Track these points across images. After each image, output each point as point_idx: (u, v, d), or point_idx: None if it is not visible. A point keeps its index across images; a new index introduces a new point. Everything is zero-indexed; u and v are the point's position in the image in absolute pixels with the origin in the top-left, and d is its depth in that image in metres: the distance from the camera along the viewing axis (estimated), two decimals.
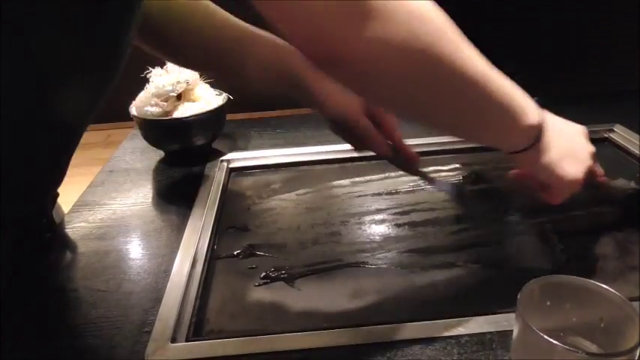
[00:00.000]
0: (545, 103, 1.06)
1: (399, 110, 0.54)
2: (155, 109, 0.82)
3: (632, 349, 0.33)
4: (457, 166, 0.84)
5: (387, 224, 0.70)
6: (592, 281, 0.38)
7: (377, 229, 0.69)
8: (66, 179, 0.56)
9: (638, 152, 0.83)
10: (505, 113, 0.49)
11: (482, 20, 2.75)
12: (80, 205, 0.75)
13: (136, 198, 0.77)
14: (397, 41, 0.39)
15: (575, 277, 0.39)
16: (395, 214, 0.71)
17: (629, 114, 0.92)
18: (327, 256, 0.63)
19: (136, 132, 0.90)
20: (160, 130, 0.86)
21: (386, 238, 0.67)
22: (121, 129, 1.03)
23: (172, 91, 0.82)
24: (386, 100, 0.49)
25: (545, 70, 2.33)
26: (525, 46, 2.52)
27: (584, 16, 1.97)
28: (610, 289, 0.38)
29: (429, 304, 0.55)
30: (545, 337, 0.34)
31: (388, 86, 0.44)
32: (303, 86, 0.61)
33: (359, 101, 0.62)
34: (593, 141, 0.88)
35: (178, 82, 0.83)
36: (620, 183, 0.71)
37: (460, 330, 0.48)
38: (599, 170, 0.64)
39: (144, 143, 0.87)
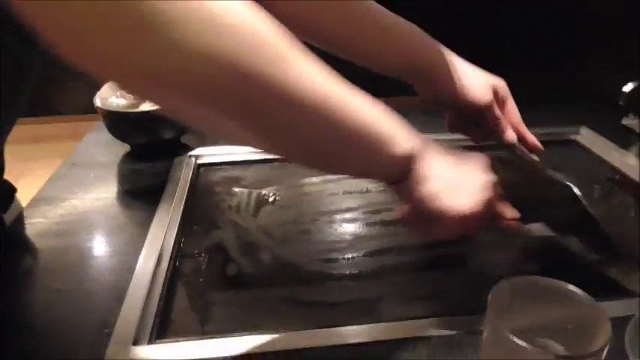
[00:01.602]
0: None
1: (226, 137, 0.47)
2: (121, 101, 0.79)
3: (599, 351, 0.34)
4: None
5: (358, 223, 0.69)
6: (561, 282, 0.38)
7: (348, 227, 0.68)
8: (27, 172, 0.53)
9: (602, 155, 0.84)
10: (362, 143, 0.43)
11: (453, 22, 2.79)
12: (39, 200, 0.72)
13: (99, 193, 0.74)
14: (193, 55, 0.31)
15: (544, 278, 0.39)
16: (366, 212, 0.71)
17: (596, 117, 0.94)
18: (296, 254, 0.62)
19: (101, 124, 0.86)
20: (125, 123, 0.83)
21: (357, 237, 0.66)
22: (88, 121, 0.99)
23: None
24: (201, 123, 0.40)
25: (512, 72, 2.38)
26: (495, 47, 2.56)
27: (554, 19, 2.02)
28: (578, 290, 0.38)
29: (399, 304, 0.55)
30: (514, 338, 0.33)
31: (195, 110, 0.36)
32: (436, 70, 0.58)
33: (489, 85, 0.60)
34: (560, 143, 0.91)
35: None
36: (535, 228, 0.64)
37: (430, 331, 0.48)
38: (508, 211, 0.55)
39: (109, 136, 0.84)
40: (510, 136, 0.61)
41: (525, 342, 0.34)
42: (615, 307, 0.50)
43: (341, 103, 0.40)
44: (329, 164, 0.46)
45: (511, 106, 0.63)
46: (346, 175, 0.79)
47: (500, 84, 0.63)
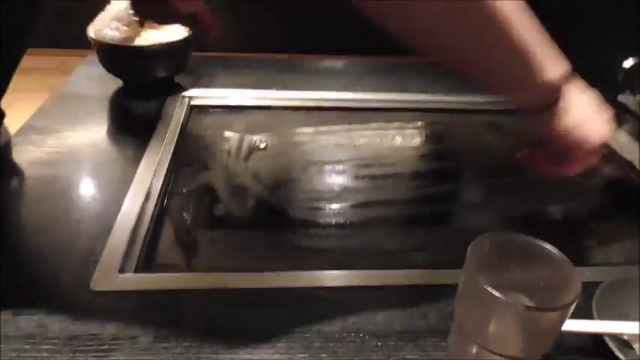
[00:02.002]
0: None
1: (415, 34, 0.48)
2: (115, 34, 0.78)
3: (566, 306, 0.35)
4: (422, 124, 0.84)
5: (347, 175, 0.70)
6: (538, 240, 0.40)
7: (336, 179, 0.69)
8: (14, 103, 0.53)
9: None
10: (523, 61, 0.45)
11: None
12: (28, 129, 0.71)
13: (90, 126, 0.73)
14: None
15: (522, 235, 0.40)
16: (355, 165, 0.72)
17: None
18: (284, 201, 0.63)
19: (94, 57, 0.84)
20: (119, 57, 0.81)
21: (344, 189, 0.67)
22: (78, 56, 0.97)
23: (135, 15, 0.77)
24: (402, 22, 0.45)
25: None
26: None
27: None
28: (553, 248, 0.39)
29: (379, 255, 0.56)
30: (488, 288, 0.35)
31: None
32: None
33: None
34: None
35: None
36: None
37: (407, 280, 0.49)
38: None
39: (101, 70, 0.82)
40: None
41: (498, 294, 0.35)
42: (586, 273, 0.52)
43: (517, 21, 0.43)
44: (489, 71, 0.48)
45: None
46: (338, 128, 0.80)
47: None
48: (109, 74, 0.83)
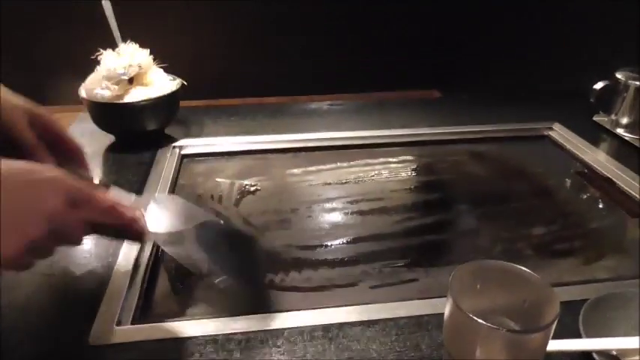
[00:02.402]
0: (488, 100, 1.10)
1: None
2: (106, 92, 0.81)
3: (547, 326, 0.37)
4: (407, 158, 0.87)
5: (337, 213, 0.71)
6: (517, 265, 0.41)
7: (326, 217, 0.71)
8: None
9: (574, 150, 0.88)
10: None
11: (431, 22, 2.83)
12: None
13: None
14: None
15: (502, 261, 0.42)
16: (344, 203, 0.74)
17: (569, 114, 0.98)
18: (275, 242, 0.65)
19: (86, 115, 0.87)
20: (110, 114, 0.84)
21: (334, 226, 0.68)
22: (71, 112, 1.00)
23: (124, 74, 0.81)
24: None
25: (491, 69, 2.42)
26: (474, 47, 2.60)
27: (531, 20, 2.06)
28: (532, 273, 0.41)
29: (371, 289, 0.57)
30: (470, 315, 0.36)
31: None
32: None
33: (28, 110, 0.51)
34: (534, 138, 0.94)
35: (130, 66, 0.81)
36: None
37: (399, 312, 0.51)
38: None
39: (93, 127, 0.85)
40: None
41: (482, 320, 0.36)
42: (572, 292, 0.53)
43: None
44: None
45: (72, 143, 0.55)
46: (325, 166, 0.82)
47: (40, 111, 0.53)
48: (101, 130, 0.86)
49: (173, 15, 2.65)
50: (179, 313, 0.53)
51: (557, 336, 0.47)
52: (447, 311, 0.41)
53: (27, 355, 0.46)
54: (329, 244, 0.65)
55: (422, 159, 0.87)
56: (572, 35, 1.77)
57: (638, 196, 0.73)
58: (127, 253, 0.59)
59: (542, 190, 0.79)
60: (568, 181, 0.82)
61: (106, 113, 0.84)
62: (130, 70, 0.82)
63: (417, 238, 0.67)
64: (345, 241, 0.65)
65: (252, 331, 0.48)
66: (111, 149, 0.85)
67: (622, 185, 0.76)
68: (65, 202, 0.39)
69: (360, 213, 0.71)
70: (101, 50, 0.84)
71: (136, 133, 0.86)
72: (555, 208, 0.74)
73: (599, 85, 0.92)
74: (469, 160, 0.88)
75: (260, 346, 0.47)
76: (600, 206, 0.75)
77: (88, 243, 0.62)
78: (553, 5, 1.89)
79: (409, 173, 0.83)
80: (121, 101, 0.81)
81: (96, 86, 0.82)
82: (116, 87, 0.81)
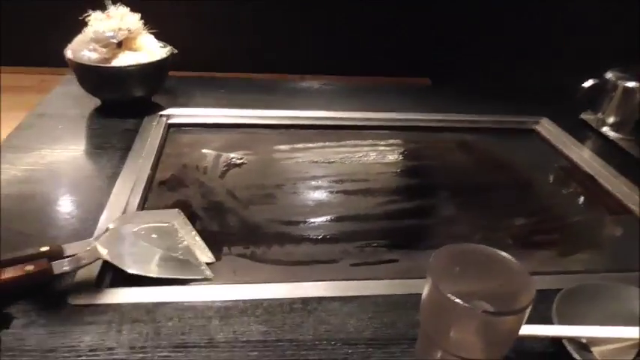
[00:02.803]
0: (479, 91, 1.10)
1: None
2: (93, 55, 0.79)
3: (522, 310, 0.37)
4: (395, 142, 0.87)
5: (322, 191, 0.72)
6: (495, 250, 0.42)
7: (311, 194, 0.71)
8: None
9: (559, 146, 0.89)
10: None
11: (424, 18, 2.82)
12: (6, 147, 0.72)
13: (67, 145, 0.74)
14: None
15: (480, 245, 0.42)
16: (330, 181, 0.74)
17: (557, 110, 0.99)
18: (259, 216, 0.65)
19: (72, 77, 0.85)
20: (97, 78, 0.82)
21: (318, 204, 0.69)
22: (56, 75, 0.98)
23: (113, 37, 0.79)
24: None
25: (483, 63, 2.43)
26: (467, 36, 2.61)
27: (526, 12, 2.06)
28: (510, 257, 0.41)
29: (351, 267, 0.58)
30: (448, 295, 0.37)
31: None
32: None
33: None
34: (521, 132, 0.95)
35: (120, 29, 0.80)
36: None
37: (377, 291, 0.51)
38: None
39: (79, 90, 0.84)
40: None
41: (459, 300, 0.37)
42: (547, 282, 0.54)
43: None
44: None
45: None
46: (313, 145, 0.82)
47: None
48: (87, 94, 0.84)
49: None
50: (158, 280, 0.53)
51: (531, 322, 0.48)
52: (425, 291, 0.41)
53: (6, 312, 0.45)
54: (312, 220, 0.65)
55: (409, 144, 0.88)
56: (565, 33, 1.78)
57: (617, 194, 0.75)
58: (108, 217, 0.58)
59: (525, 182, 0.80)
60: (551, 176, 0.84)
61: (92, 76, 0.82)
62: (119, 34, 0.80)
63: (398, 221, 0.67)
64: (328, 219, 0.65)
65: (232, 300, 0.49)
66: (96, 114, 0.84)
67: (603, 182, 0.78)
68: None
69: (345, 193, 0.72)
70: (90, 12, 0.82)
71: (123, 99, 0.84)
72: (536, 200, 0.76)
73: (587, 84, 0.93)
74: (456, 148, 0.88)
75: (239, 315, 0.47)
76: (580, 202, 0.77)
77: (69, 205, 0.62)
78: (549, 1, 1.90)
79: (396, 157, 0.83)
80: (108, 65, 0.80)
81: (83, 48, 0.80)
82: (104, 50, 0.79)
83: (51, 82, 0.97)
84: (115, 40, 0.80)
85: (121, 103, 0.85)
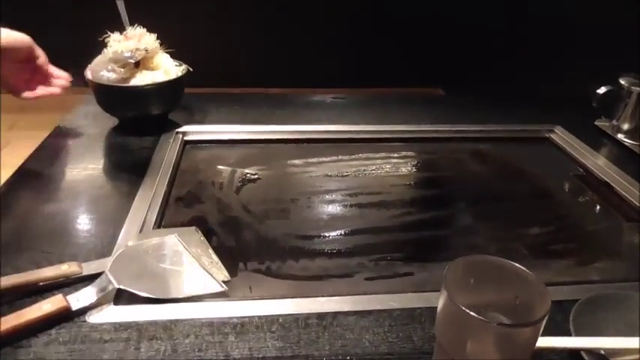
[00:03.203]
0: (492, 100, 1.11)
1: None
2: (112, 75, 0.81)
3: (538, 321, 0.37)
4: (408, 153, 0.88)
5: (336, 204, 0.72)
6: (510, 262, 0.42)
7: (325, 208, 0.71)
8: (14, 140, 0.55)
9: (574, 153, 0.88)
10: None
11: (441, 24, 2.83)
12: (27, 167, 0.74)
13: (87, 163, 0.76)
14: None
15: (495, 257, 0.42)
16: (344, 195, 0.74)
17: (571, 117, 0.98)
18: (274, 231, 0.65)
19: (90, 97, 0.88)
20: (115, 97, 0.84)
21: (333, 218, 0.69)
22: (76, 94, 1.00)
23: (131, 57, 0.81)
24: None
25: (495, 72, 2.43)
26: (479, 45, 2.60)
27: (537, 20, 2.06)
28: (524, 269, 0.41)
29: (367, 281, 0.58)
30: (463, 308, 0.37)
31: None
32: None
33: None
34: (535, 140, 0.95)
35: (137, 50, 0.82)
36: None
37: (393, 304, 0.51)
38: None
39: (97, 109, 0.86)
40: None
41: (474, 313, 0.37)
42: (565, 292, 0.54)
43: None
44: None
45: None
46: (327, 159, 0.83)
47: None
48: (106, 113, 0.86)
49: (182, 0, 2.65)
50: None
51: (548, 334, 0.48)
52: (440, 304, 0.41)
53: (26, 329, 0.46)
54: (327, 234, 0.65)
55: (423, 155, 0.88)
56: (578, 39, 1.77)
57: (634, 201, 0.74)
58: (127, 235, 0.59)
59: (540, 191, 0.80)
60: (567, 184, 0.83)
61: (111, 96, 0.84)
62: (136, 54, 0.82)
63: (413, 233, 0.67)
64: (342, 233, 0.66)
65: (248, 316, 0.49)
66: (114, 132, 0.86)
67: (619, 190, 0.77)
68: None
69: (359, 206, 0.72)
70: (108, 33, 0.84)
71: (141, 117, 0.86)
72: (552, 209, 0.75)
73: (602, 90, 0.93)
74: (470, 158, 0.88)
75: (255, 330, 0.48)
76: (597, 209, 0.76)
77: (89, 224, 0.63)
78: (561, 10, 1.89)
79: (409, 169, 0.83)
80: (126, 84, 0.82)
81: (102, 68, 0.82)
82: (122, 70, 0.81)
83: (71, 102, 0.99)
84: (132, 60, 0.82)
85: (139, 121, 0.86)
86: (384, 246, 0.64)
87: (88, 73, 0.83)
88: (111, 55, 0.82)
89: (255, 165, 0.81)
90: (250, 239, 0.64)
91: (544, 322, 0.38)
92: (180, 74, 0.85)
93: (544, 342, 0.44)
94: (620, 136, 0.91)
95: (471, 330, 0.39)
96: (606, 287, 0.56)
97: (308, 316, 0.50)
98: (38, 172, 0.72)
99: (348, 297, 0.53)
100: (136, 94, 0.82)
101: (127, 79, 0.82)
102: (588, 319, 0.49)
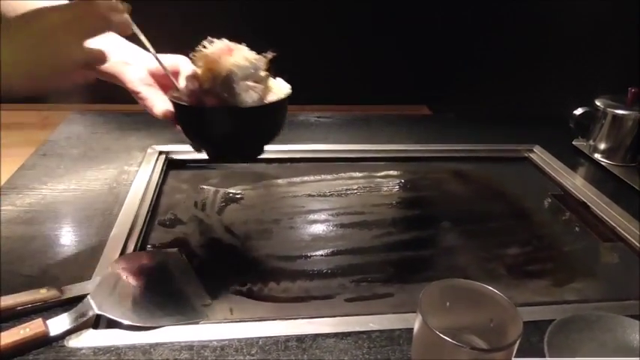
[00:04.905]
0: (474, 120, 1.13)
1: None
2: (253, 95, 0.58)
3: (510, 345, 0.38)
4: (390, 173, 0.89)
5: (318, 225, 0.73)
6: (484, 285, 0.43)
7: (307, 228, 0.72)
8: None
9: (552, 173, 0.90)
10: None
11: (420, 42, 2.88)
12: (8, 188, 0.73)
13: (69, 184, 0.76)
14: None
15: (470, 281, 0.43)
16: (326, 215, 0.75)
17: (549, 137, 1.00)
18: (256, 252, 0.66)
19: (74, 116, 0.88)
20: (266, 119, 0.62)
21: (315, 238, 0.70)
22: (59, 111, 1.00)
23: (258, 68, 0.60)
24: None
25: (481, 92, 2.47)
26: (464, 65, 2.65)
27: (520, 42, 2.10)
28: (498, 292, 0.42)
29: (346, 303, 0.59)
30: (437, 332, 0.38)
31: None
32: None
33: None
34: (515, 159, 0.97)
35: (260, 58, 0.61)
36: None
37: (372, 326, 0.52)
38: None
39: (81, 128, 0.86)
40: None
41: (451, 338, 0.38)
42: (541, 312, 0.55)
43: None
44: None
45: None
46: (309, 178, 0.84)
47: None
48: (90, 132, 0.86)
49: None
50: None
51: (524, 355, 0.48)
52: (415, 327, 0.42)
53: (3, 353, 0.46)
54: (308, 255, 0.66)
55: (405, 175, 0.89)
56: (557, 61, 1.82)
57: (610, 221, 0.75)
58: (108, 256, 0.59)
59: (519, 211, 0.81)
60: (545, 203, 0.85)
61: (258, 119, 0.61)
62: (260, 63, 0.60)
63: (394, 254, 0.68)
64: (324, 254, 0.66)
65: (228, 339, 0.49)
66: (97, 152, 0.86)
67: (596, 210, 0.79)
68: None
69: (341, 226, 0.73)
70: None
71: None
72: (531, 229, 0.76)
73: (578, 111, 0.95)
74: (451, 178, 0.90)
75: (234, 354, 0.48)
76: (574, 230, 0.77)
77: (70, 246, 0.63)
78: (542, 32, 1.94)
79: (391, 189, 0.84)
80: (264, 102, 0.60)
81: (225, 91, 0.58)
82: (259, 86, 0.60)
83: (54, 119, 0.99)
84: (262, 73, 0.61)
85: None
86: (365, 266, 0.65)
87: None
88: (244, 72, 0.59)
89: (238, 185, 0.81)
90: (232, 261, 0.64)
91: (516, 345, 0.39)
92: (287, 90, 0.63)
93: None
94: (596, 155, 0.94)
95: (446, 353, 0.39)
96: (582, 307, 0.57)
97: (288, 339, 0.50)
98: (19, 194, 0.72)
99: (328, 319, 0.53)
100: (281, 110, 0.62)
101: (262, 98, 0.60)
102: (563, 339, 0.49)
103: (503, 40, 2.24)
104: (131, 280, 0.54)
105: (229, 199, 0.78)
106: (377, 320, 0.53)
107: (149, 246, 0.66)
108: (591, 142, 0.95)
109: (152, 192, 0.75)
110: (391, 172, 0.89)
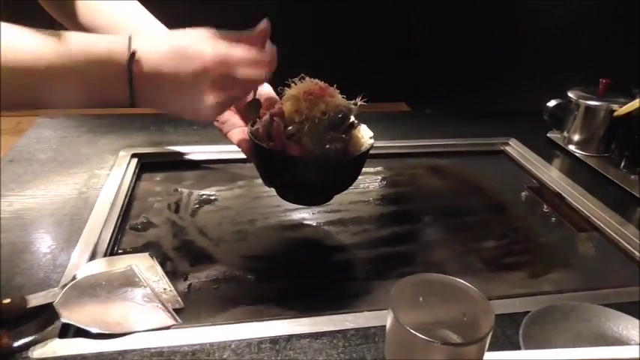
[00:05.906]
0: (451, 115, 1.13)
1: None
2: (336, 145, 0.59)
3: (482, 339, 0.38)
4: (367, 170, 0.88)
5: (294, 224, 0.72)
6: (456, 279, 0.42)
7: (283, 228, 0.71)
8: None
9: (527, 165, 0.91)
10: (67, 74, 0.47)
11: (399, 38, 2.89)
12: None
13: (36, 190, 0.74)
14: None
15: (442, 275, 0.43)
16: (302, 214, 0.74)
17: (525, 130, 1.01)
18: (228, 254, 0.64)
19: (43, 121, 0.85)
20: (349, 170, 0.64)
21: (290, 238, 0.69)
22: (32, 117, 0.98)
23: (348, 116, 0.60)
24: None
25: (455, 85, 2.49)
26: (441, 60, 2.67)
27: (495, 38, 2.12)
28: (471, 286, 0.42)
29: (322, 300, 0.58)
30: (408, 328, 0.37)
31: None
32: None
33: None
34: (491, 153, 0.97)
35: (348, 105, 0.61)
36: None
37: (348, 324, 0.51)
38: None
39: (50, 132, 0.84)
40: None
41: (425, 333, 0.37)
42: (518, 304, 0.55)
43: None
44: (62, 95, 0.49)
45: None
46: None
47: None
48: (59, 137, 0.84)
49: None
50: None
51: (500, 348, 0.48)
52: (388, 324, 0.41)
53: None
54: (284, 254, 0.65)
55: (382, 172, 0.88)
56: (530, 55, 1.83)
57: (585, 211, 0.76)
58: (77, 263, 0.58)
59: (496, 204, 0.81)
60: (521, 196, 0.85)
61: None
62: (348, 111, 0.62)
63: (372, 251, 0.68)
64: (300, 253, 0.65)
65: (199, 344, 0.48)
66: (67, 157, 0.84)
67: (571, 200, 0.79)
68: None
69: (317, 224, 0.72)
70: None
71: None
72: (507, 222, 0.76)
73: (552, 104, 0.96)
74: (427, 173, 0.90)
75: (206, 358, 0.47)
76: (549, 221, 0.78)
77: (37, 253, 0.61)
78: (515, 28, 1.96)
79: (368, 185, 0.84)
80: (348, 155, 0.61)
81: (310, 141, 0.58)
82: (345, 137, 0.60)
83: (26, 124, 0.97)
84: (350, 121, 0.62)
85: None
86: (342, 264, 0.64)
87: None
88: (328, 124, 0.58)
89: (213, 186, 0.80)
90: (205, 263, 0.63)
91: (488, 338, 0.38)
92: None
93: (492, 356, 0.44)
94: (571, 147, 0.94)
95: (418, 350, 0.39)
96: (558, 298, 0.57)
97: (261, 341, 0.49)
98: None
99: (303, 319, 0.52)
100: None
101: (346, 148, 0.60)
102: (538, 331, 0.49)
103: (478, 37, 2.26)
104: (99, 287, 0.53)
105: (204, 201, 0.76)
106: (352, 318, 0.52)
107: (120, 251, 0.64)
108: (565, 134, 0.96)
109: (124, 195, 0.73)
110: (367, 169, 0.88)
